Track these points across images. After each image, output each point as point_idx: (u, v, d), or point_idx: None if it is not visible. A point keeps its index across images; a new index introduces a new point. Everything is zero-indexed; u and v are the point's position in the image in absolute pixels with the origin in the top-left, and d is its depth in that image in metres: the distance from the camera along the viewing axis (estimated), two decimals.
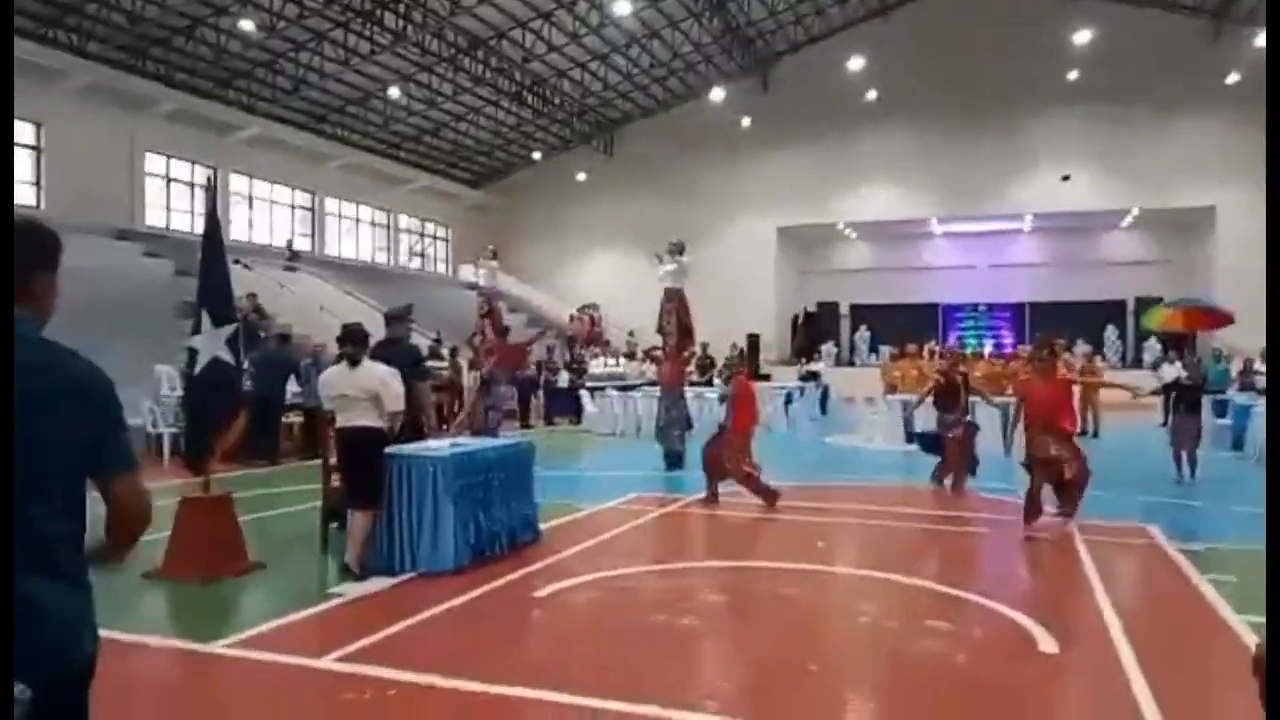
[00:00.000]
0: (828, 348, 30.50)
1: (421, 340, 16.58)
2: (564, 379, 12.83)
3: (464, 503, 6.03)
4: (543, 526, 7.26)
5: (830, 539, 7.73)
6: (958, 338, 27.53)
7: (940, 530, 8.30)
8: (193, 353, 6.24)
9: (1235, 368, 17.83)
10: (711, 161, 31.02)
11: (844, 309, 33.14)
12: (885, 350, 25.19)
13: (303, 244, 28.19)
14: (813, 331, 32.08)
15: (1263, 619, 4.82)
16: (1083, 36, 25.88)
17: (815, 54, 29.78)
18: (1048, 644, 4.68)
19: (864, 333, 31.46)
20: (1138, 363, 26.32)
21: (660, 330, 12.02)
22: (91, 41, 21.28)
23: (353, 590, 5.62)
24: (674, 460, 11.43)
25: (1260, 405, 13.80)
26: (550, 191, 33.86)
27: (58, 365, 1.73)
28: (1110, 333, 28.95)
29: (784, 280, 32.47)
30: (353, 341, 6.07)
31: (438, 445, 6.40)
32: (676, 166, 31.45)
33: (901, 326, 26.73)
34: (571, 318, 23.23)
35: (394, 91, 26.76)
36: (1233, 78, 25.28)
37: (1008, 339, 29.34)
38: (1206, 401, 13.09)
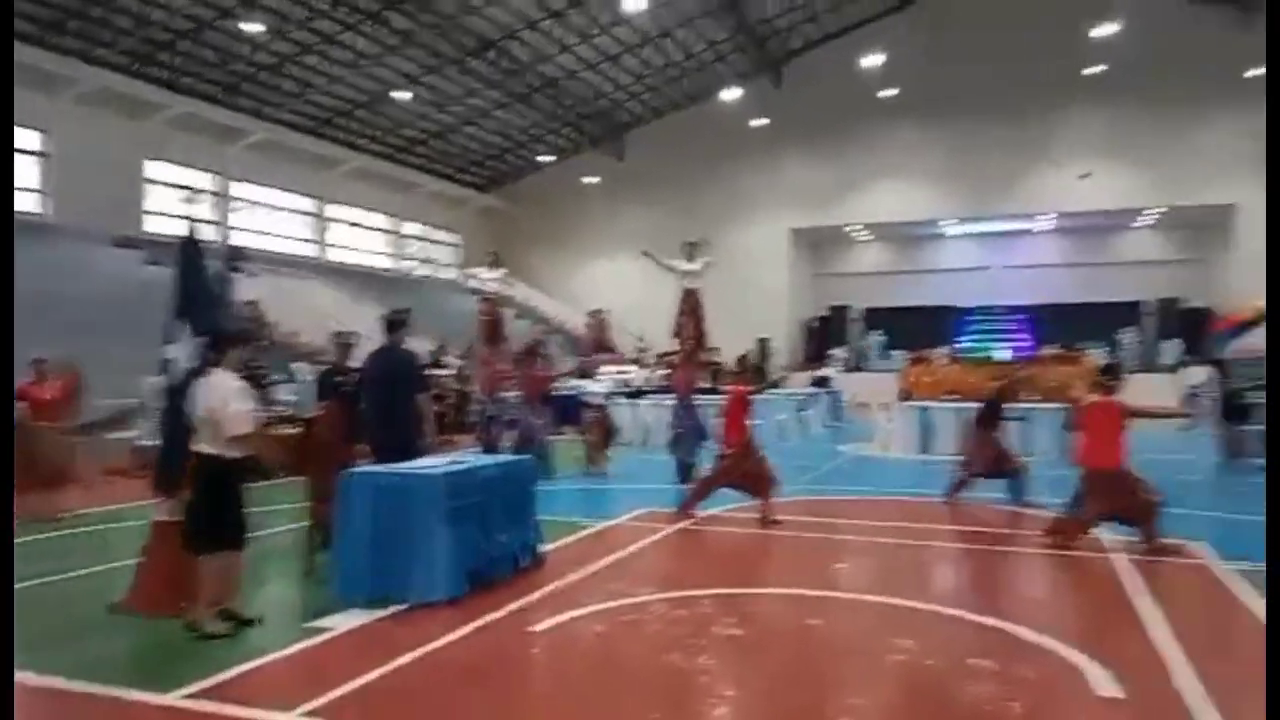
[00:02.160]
0: (838, 353, 29.99)
1: (422, 348, 16.18)
2: (594, 388, 12.51)
3: (459, 526, 5.57)
4: (547, 547, 6.80)
5: (852, 560, 7.24)
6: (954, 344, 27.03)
7: (968, 549, 7.80)
8: (166, 363, 5.80)
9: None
10: (723, 163, 30.59)
11: (856, 313, 32.61)
12: (897, 354, 24.72)
13: (308, 250, 27.89)
14: (823, 336, 31.59)
15: None
16: (1104, 30, 25.31)
17: (829, 51, 29.32)
18: (1107, 686, 4.19)
19: (876, 337, 30.92)
20: (1154, 366, 25.71)
21: (677, 334, 11.58)
22: (97, 47, 20.99)
23: (340, 624, 5.17)
24: (687, 473, 10.95)
25: None
26: (560, 196, 33.49)
27: None
28: (1129, 336, 28.29)
29: (796, 283, 32.01)
30: (218, 345, 5.20)
31: (430, 463, 5.95)
32: (688, 169, 31.04)
33: (914, 330, 26.24)
34: (588, 325, 22.71)
35: (402, 94, 26.42)
36: (1254, 72, 24.66)
37: (1025, 342, 28.73)
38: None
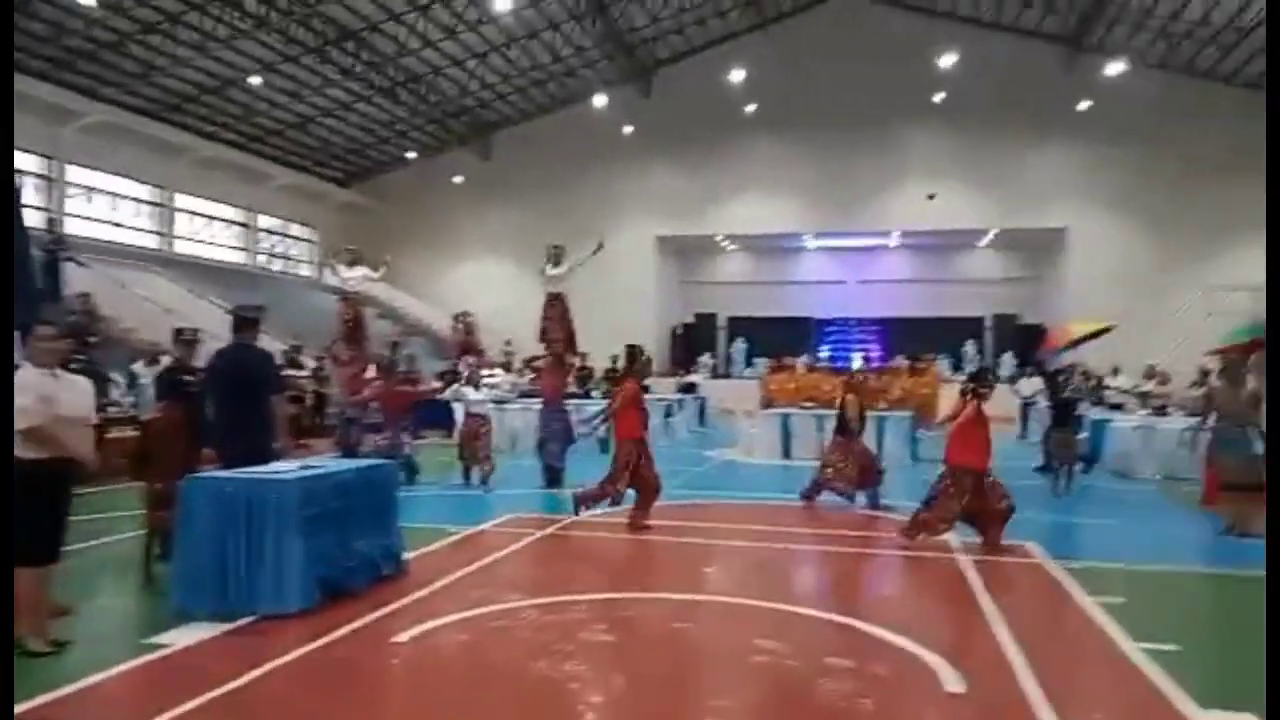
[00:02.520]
0: (705, 359, 30.58)
1: (276, 346, 15.42)
2: (478, 395, 12.00)
3: (313, 533, 5.30)
4: (410, 554, 6.57)
5: (719, 563, 7.35)
6: (819, 352, 28.18)
7: (828, 551, 8.07)
8: None
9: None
10: (592, 168, 30.65)
11: (722, 320, 33.32)
12: (761, 362, 25.40)
13: (151, 241, 26.12)
14: (690, 343, 32.12)
15: (1158, 646, 4.69)
16: (948, 60, 26.89)
17: (697, 64, 29.87)
18: (953, 682, 4.40)
19: (740, 345, 31.70)
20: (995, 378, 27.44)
21: (543, 338, 11.45)
22: None
23: (181, 639, 4.82)
24: (554, 477, 10.87)
25: (1116, 420, 14.48)
26: (426, 194, 32.69)
27: None
28: (970, 349, 30.09)
29: (663, 290, 32.39)
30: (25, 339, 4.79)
31: (284, 468, 5.64)
32: (556, 172, 30.92)
33: (776, 339, 27.04)
34: (453, 328, 22.02)
35: (255, 80, 25.10)
36: (1084, 105, 26.79)
37: (875, 353, 30.09)
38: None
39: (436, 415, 17.36)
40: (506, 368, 21.11)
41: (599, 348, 19.54)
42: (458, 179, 32.23)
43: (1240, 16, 22.94)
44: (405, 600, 5.67)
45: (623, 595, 6.20)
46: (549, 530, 8.38)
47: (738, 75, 28.10)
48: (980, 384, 7.94)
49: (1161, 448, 12.91)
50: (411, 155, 32.52)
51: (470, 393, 11.57)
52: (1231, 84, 26.48)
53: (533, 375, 16.81)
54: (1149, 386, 16.59)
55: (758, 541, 8.10)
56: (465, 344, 13.13)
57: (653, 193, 30.63)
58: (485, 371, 13.14)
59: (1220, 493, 8.52)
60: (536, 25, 25.94)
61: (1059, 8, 25.74)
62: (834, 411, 10.73)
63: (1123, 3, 24.16)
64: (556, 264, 11.35)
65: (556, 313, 11.20)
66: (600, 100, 29.04)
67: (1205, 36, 24.58)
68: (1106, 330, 16.13)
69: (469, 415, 11.29)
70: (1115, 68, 25.39)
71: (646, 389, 10.39)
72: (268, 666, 4.42)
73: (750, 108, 29.28)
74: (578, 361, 13.62)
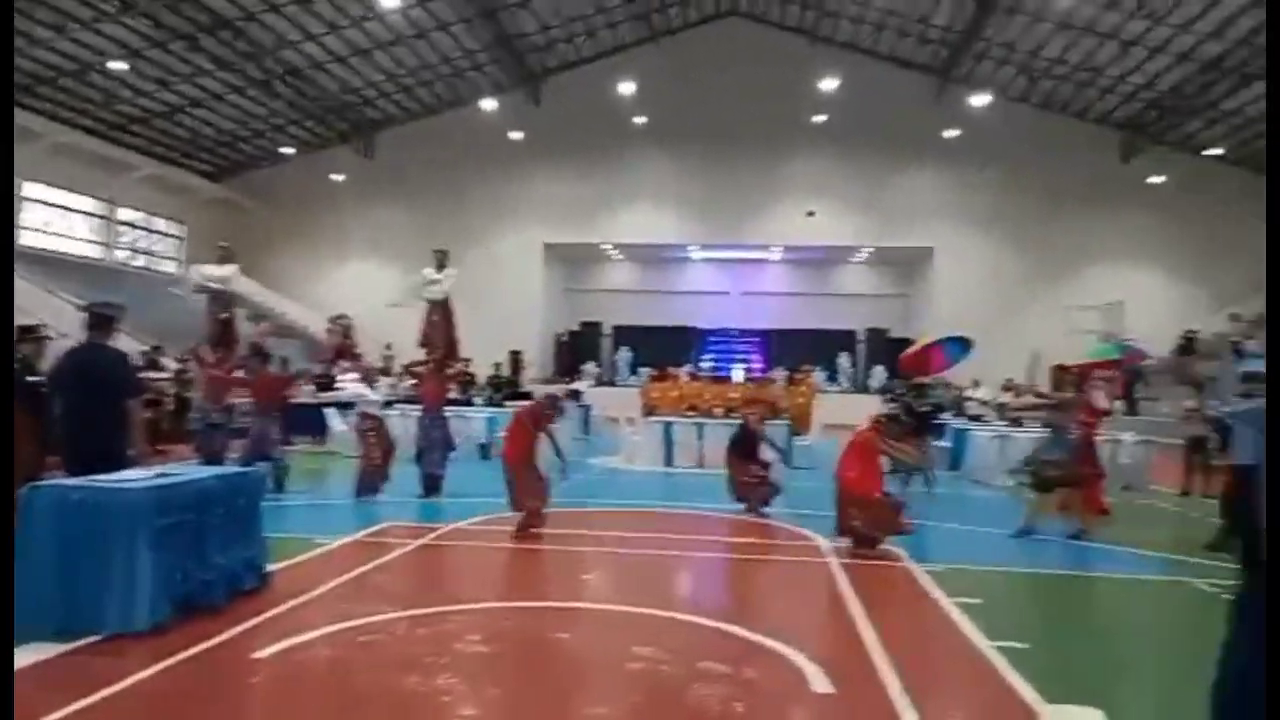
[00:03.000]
0: (589, 367, 30.61)
1: (134, 347, 14.56)
2: (374, 395, 11.40)
3: (166, 545, 4.99)
4: (275, 567, 6.28)
5: (599, 570, 7.35)
6: (703, 361, 28.70)
7: (707, 558, 8.19)
8: None
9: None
10: (479, 172, 30.27)
11: (607, 329, 33.44)
12: (645, 371, 25.62)
13: None
14: (575, 350, 32.09)
15: (1011, 644, 4.95)
16: (829, 83, 27.89)
17: (587, 74, 29.95)
18: (821, 683, 4.52)
19: (625, 353, 31.90)
20: (865, 389, 28.56)
21: (423, 344, 11.20)
22: None
23: (20, 659, 4.43)
24: (432, 485, 10.63)
25: (975, 429, 15.29)
26: (304, 192, 31.53)
27: None
28: (845, 361, 31.21)
29: (550, 298, 32.29)
30: None
31: (135, 476, 5.30)
32: (443, 175, 30.42)
33: (660, 348, 27.38)
34: (329, 330, 21.27)
35: (119, 65, 23.64)
36: (952, 133, 28.25)
37: (758, 363, 30.85)
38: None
39: (308, 421, 16.76)
40: (386, 372, 20.57)
41: (483, 354, 19.31)
42: (338, 177, 31.25)
43: (1092, 57, 24.69)
44: (267, 615, 5.41)
45: (499, 605, 6.10)
46: (425, 540, 8.18)
47: (628, 87, 28.36)
48: (884, 419, 8.51)
49: (1016, 456, 13.72)
50: (289, 151, 31.31)
51: (368, 392, 11.31)
52: (1085, 119, 28.47)
53: (413, 381, 16.45)
54: (1006, 399, 17.56)
55: (638, 549, 8.14)
56: (341, 347, 12.67)
57: (541, 199, 30.51)
58: (343, 375, 12.70)
59: (1040, 492, 9.14)
60: (425, 25, 25.47)
61: (931, 39, 27.08)
62: (716, 421, 10.93)
63: (989, 38, 25.63)
64: (441, 268, 11.14)
65: (439, 318, 10.99)
66: (489, 105, 28.76)
67: (1063, 74, 26.34)
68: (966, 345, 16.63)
69: (365, 417, 10.95)
70: (981, 99, 26.92)
71: (526, 395, 10.32)
72: (118, 687, 4.14)
73: (640, 119, 29.59)
74: (460, 368, 13.36)
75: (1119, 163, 28.53)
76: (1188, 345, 24.05)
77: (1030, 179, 28.18)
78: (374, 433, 10.50)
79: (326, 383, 15.62)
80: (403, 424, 14.58)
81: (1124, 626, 6.50)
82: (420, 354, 11.54)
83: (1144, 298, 26.76)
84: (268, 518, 6.33)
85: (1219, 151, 26.95)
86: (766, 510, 9.94)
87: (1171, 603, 7.03)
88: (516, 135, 29.92)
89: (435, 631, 5.25)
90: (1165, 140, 27.74)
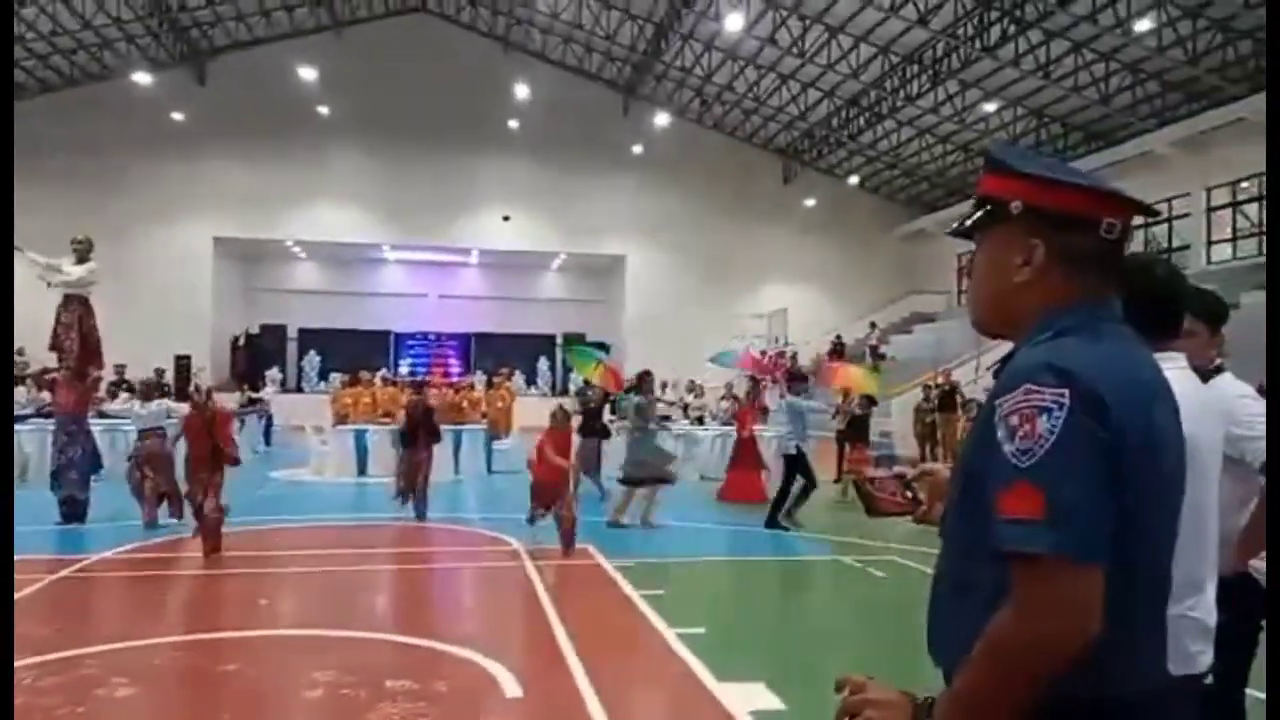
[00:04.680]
0: (273, 373, 28.37)
1: None
2: (144, 411, 9.31)
3: None
4: None
5: (276, 594, 6.80)
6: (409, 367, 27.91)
7: (398, 570, 7.91)
8: None
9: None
10: (135, 154, 26.87)
11: (292, 331, 31.25)
12: (336, 377, 24.28)
13: None
14: (255, 354, 29.60)
15: (690, 630, 5.27)
16: (522, 90, 28.22)
17: (262, 56, 27.71)
18: (512, 687, 4.51)
19: (313, 358, 30.01)
20: (565, 392, 29.29)
21: (55, 347, 9.62)
22: None
23: None
24: (73, 510, 9.22)
25: (663, 429, 16.21)
26: None
27: None
28: (543, 365, 31.77)
29: (223, 297, 29.45)
30: None
31: None
32: (91, 155, 26.55)
33: (354, 352, 26.08)
34: None
35: None
36: (638, 148, 29.80)
37: (456, 367, 30.44)
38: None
39: None
40: (21, 380, 17.62)
41: (141, 358, 17.23)
42: None
43: (757, 86, 27.23)
44: None
45: (156, 641, 5.41)
46: (63, 573, 7.09)
47: (309, 74, 26.67)
48: (565, 418, 8.82)
49: (700, 452, 14.82)
50: None
51: (138, 407, 9.70)
52: (753, 143, 31.36)
53: (47, 391, 14.29)
54: (689, 399, 18.84)
55: (323, 566, 7.66)
56: None
57: (211, 189, 27.69)
58: None
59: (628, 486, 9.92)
60: None
61: (617, 57, 28.37)
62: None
63: (667, 62, 27.37)
64: (81, 260, 9.66)
65: (74, 317, 9.47)
66: (144, 79, 25.53)
67: (733, 100, 28.81)
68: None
69: (148, 433, 9.35)
70: (663, 119, 28.67)
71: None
72: None
73: (324, 109, 27.98)
74: (101, 374, 11.65)
75: (782, 185, 31.75)
76: (837, 348, 27.29)
77: (710, 196, 30.43)
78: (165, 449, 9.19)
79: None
80: (38, 439, 12.60)
81: (788, 604, 7.20)
82: (52, 360, 9.99)
83: (806, 306, 29.96)
84: None
85: (855, 180, 30.94)
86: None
87: (825, 579, 7.91)
88: (178, 116, 26.94)
89: (69, 679, 4.54)
90: (817, 166, 31.31)
